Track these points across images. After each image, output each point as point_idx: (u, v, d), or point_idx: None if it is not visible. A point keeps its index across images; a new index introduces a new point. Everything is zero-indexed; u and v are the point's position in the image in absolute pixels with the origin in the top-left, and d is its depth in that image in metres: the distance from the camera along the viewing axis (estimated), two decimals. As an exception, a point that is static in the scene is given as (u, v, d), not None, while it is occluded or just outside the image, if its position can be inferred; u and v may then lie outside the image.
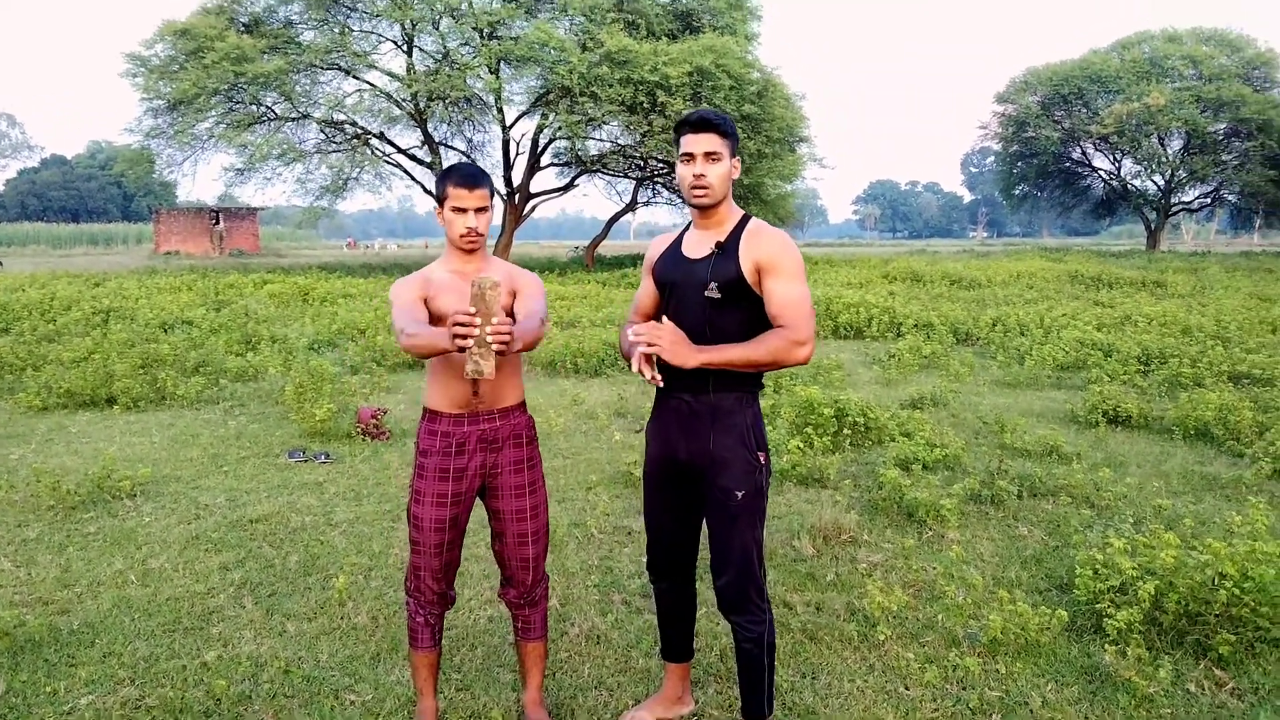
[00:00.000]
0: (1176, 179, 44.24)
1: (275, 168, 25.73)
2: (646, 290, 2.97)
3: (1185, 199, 47.29)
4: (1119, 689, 3.21)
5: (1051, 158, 47.56)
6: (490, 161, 30.69)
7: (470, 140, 30.83)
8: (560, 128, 25.43)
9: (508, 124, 27.44)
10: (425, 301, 2.78)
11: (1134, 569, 3.68)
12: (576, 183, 31.71)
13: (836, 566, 4.46)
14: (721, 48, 24.03)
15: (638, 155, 28.36)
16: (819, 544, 4.69)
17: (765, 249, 2.63)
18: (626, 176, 32.44)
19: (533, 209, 30.40)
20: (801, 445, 6.14)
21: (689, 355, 2.51)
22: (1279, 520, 4.93)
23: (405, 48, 26.86)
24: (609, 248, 44.41)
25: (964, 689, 3.29)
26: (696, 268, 2.72)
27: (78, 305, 14.57)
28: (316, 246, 67.93)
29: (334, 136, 27.03)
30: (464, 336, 2.40)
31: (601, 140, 29.10)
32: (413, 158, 28.61)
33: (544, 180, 64.92)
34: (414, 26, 25.71)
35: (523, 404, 2.92)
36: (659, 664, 3.49)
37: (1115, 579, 3.73)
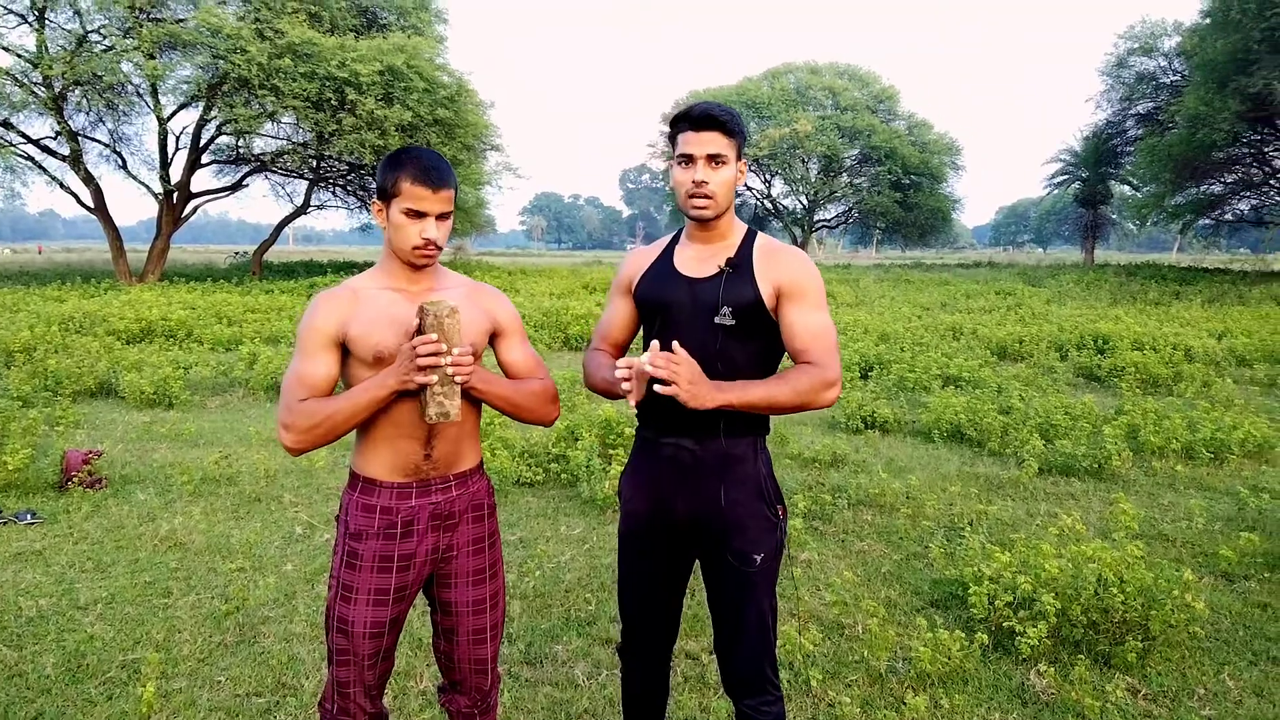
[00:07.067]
0: (818, 199, 49.01)
1: None
2: (620, 314, 2.49)
3: (825, 217, 52.53)
4: (1067, 711, 3.19)
5: (711, 176, 50.74)
6: (142, 156, 27.22)
7: (113, 131, 27.08)
8: (226, 122, 23.04)
9: (166, 115, 24.43)
10: (343, 342, 2.10)
11: (1029, 583, 3.72)
12: (246, 182, 29.02)
13: (715, 603, 4.16)
14: (413, 48, 23.07)
15: (313, 154, 26.41)
16: (687, 579, 4.37)
17: (787, 271, 2.25)
18: (300, 177, 30.19)
19: (195, 210, 27.40)
20: (605, 467, 5.87)
21: (709, 396, 2.02)
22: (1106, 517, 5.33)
23: (35, 23, 23.05)
24: (272, 254, 41.42)
25: (919, 730, 3.12)
26: (701, 288, 2.28)
27: None
28: (-99, 248, 56.97)
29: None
30: (432, 369, 1.95)
31: (276, 137, 26.85)
32: (45, 149, 24.61)
33: (206, 178, 59.15)
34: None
35: (480, 465, 2.33)
36: (595, 747, 3.00)
37: (1009, 595, 3.76)
